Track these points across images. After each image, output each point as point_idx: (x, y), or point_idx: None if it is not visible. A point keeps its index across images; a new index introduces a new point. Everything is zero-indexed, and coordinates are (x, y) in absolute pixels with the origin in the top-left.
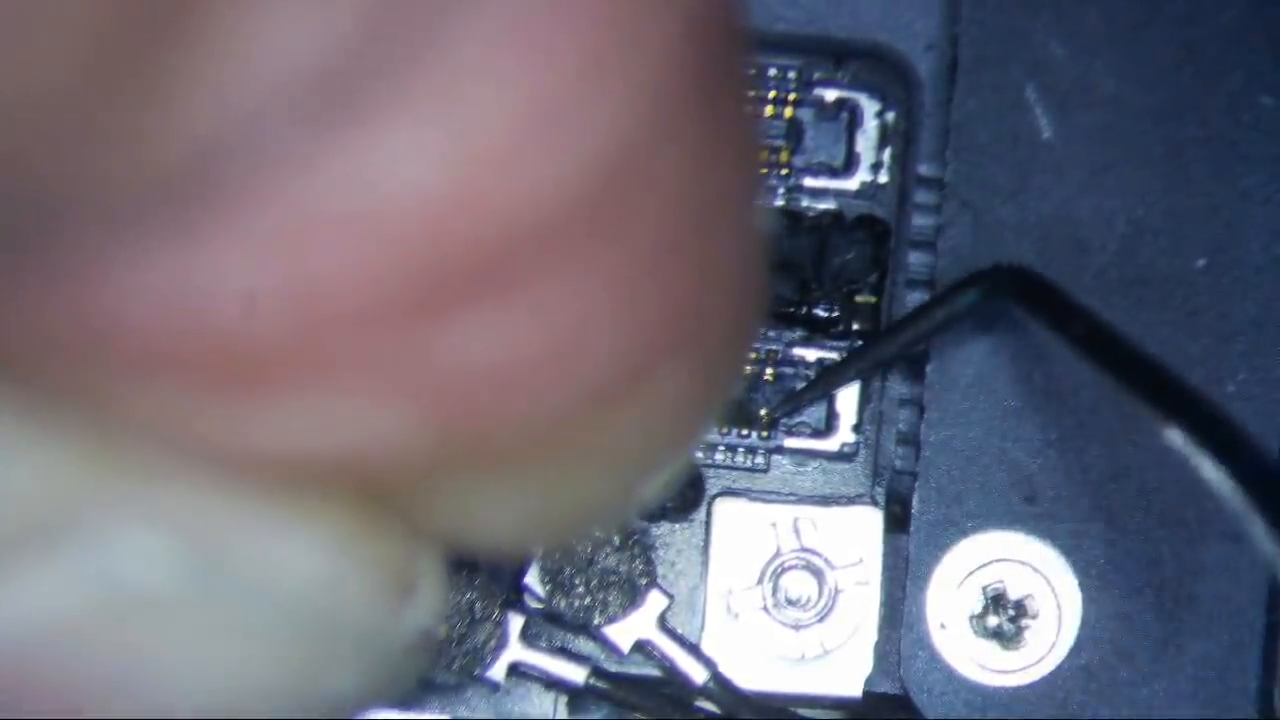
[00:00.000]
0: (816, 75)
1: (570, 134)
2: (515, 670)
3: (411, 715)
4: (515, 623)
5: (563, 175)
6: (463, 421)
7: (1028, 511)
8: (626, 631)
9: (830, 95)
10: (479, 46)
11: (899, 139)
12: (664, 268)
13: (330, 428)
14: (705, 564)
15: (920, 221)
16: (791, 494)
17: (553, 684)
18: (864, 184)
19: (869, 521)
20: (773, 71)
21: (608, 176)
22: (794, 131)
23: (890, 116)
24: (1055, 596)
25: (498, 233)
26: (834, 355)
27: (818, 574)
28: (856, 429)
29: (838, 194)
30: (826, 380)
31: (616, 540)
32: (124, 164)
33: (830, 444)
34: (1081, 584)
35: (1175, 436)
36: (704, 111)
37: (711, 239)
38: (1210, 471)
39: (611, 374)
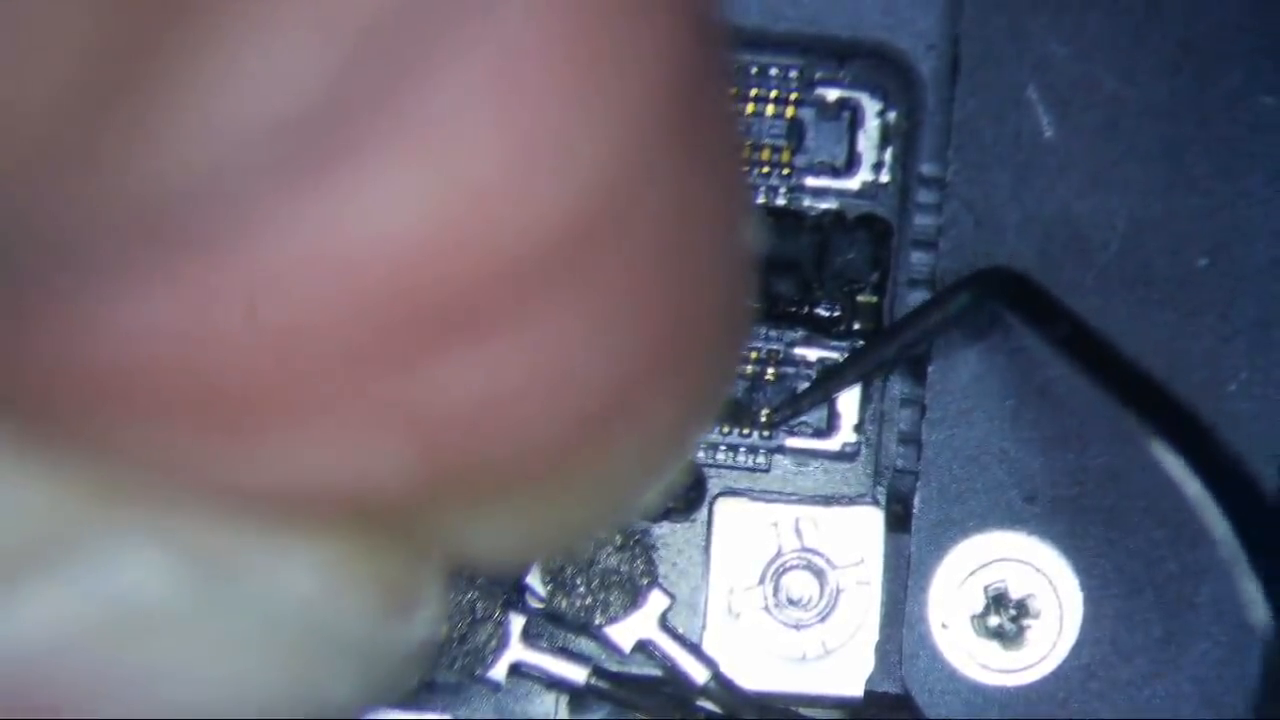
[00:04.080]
0: (818, 75)
1: (554, 173)
2: (516, 670)
3: (413, 715)
4: (516, 623)
5: (547, 214)
6: (453, 456)
7: (1029, 511)
8: (628, 631)
9: (832, 95)
10: (462, 86)
11: (900, 138)
12: (651, 296)
13: (322, 466)
14: (707, 564)
15: (922, 221)
16: (793, 494)
17: (554, 684)
18: (865, 183)
19: (870, 521)
20: (774, 71)
21: (593, 213)
22: (796, 131)
23: (892, 116)
24: (1056, 596)
25: (483, 273)
26: (836, 355)
27: (819, 574)
28: (858, 429)
29: (839, 193)
30: (825, 385)
31: (618, 540)
32: (107, 196)
33: (832, 444)
34: (1083, 584)
35: (1162, 453)
36: (689, 139)
37: (698, 264)
38: (1191, 487)
39: (600, 400)
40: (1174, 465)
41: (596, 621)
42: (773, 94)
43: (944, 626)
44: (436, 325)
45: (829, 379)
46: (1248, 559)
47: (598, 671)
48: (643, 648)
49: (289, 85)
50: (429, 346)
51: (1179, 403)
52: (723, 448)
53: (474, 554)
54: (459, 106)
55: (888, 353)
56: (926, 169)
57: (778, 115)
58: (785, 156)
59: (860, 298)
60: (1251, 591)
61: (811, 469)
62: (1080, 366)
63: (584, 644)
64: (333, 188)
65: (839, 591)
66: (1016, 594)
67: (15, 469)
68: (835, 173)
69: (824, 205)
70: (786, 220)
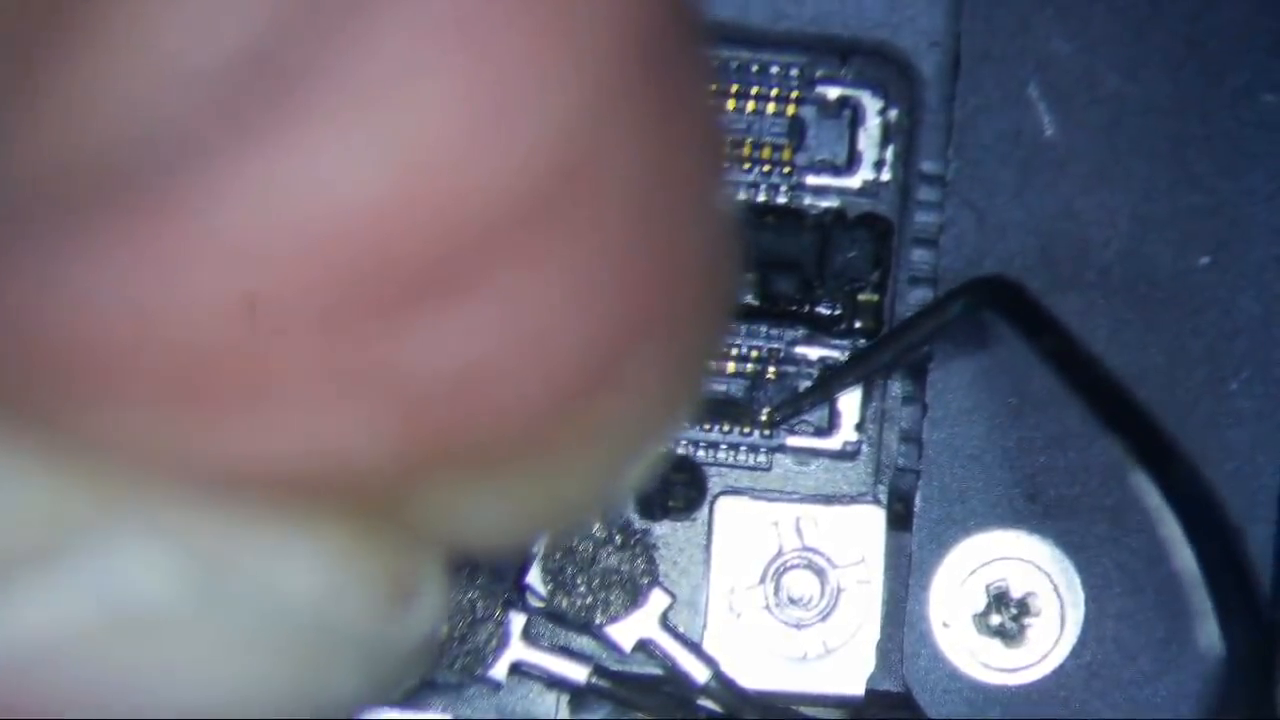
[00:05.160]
0: (819, 73)
1: (515, 128)
2: (517, 669)
3: (413, 715)
4: (517, 622)
5: (509, 171)
6: (432, 426)
7: (1030, 510)
8: (628, 630)
9: (833, 93)
10: (416, 38)
11: (901, 136)
12: (625, 258)
13: (299, 440)
14: (707, 563)
15: (923, 219)
16: (794, 492)
17: (554, 683)
18: (866, 182)
19: (871, 520)
20: (775, 69)
21: (557, 169)
22: (796, 129)
23: (893, 114)
24: (1058, 595)
25: (447, 233)
26: (837, 354)
27: (820, 573)
28: (859, 427)
29: (840, 192)
30: (824, 387)
31: (618, 539)
32: (46, 150)
33: (832, 442)
34: (1084, 582)
35: (1143, 484)
36: (657, 96)
37: (673, 226)
38: (1160, 511)
39: (581, 367)
40: (1146, 487)
41: (597, 620)
42: (773, 92)
43: (945, 625)
44: (407, 288)
45: (830, 381)
46: (1207, 585)
47: (598, 671)
48: (643, 647)
49: (229, 33)
50: (401, 311)
51: (1160, 426)
52: (723, 447)
53: (468, 537)
54: (418, 58)
55: (882, 359)
56: (927, 167)
57: (778, 113)
58: (786, 155)
59: (861, 296)
60: (1205, 615)
61: (812, 468)
62: (1066, 381)
63: (585, 643)
64: (287, 145)
65: (840, 590)
66: (1018, 592)
67: (11, 465)
68: (836, 171)
69: (825, 203)
70: (787, 219)
